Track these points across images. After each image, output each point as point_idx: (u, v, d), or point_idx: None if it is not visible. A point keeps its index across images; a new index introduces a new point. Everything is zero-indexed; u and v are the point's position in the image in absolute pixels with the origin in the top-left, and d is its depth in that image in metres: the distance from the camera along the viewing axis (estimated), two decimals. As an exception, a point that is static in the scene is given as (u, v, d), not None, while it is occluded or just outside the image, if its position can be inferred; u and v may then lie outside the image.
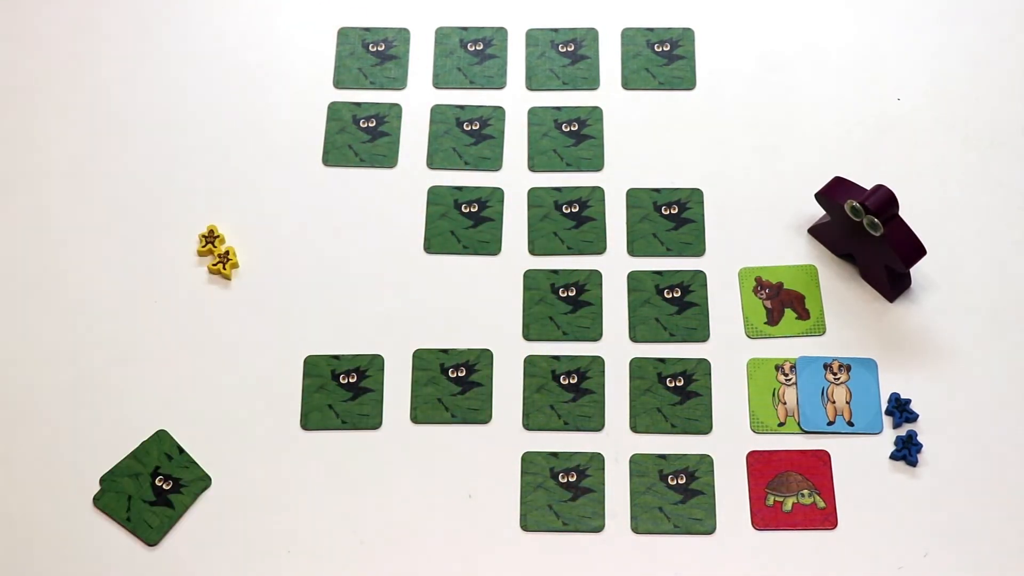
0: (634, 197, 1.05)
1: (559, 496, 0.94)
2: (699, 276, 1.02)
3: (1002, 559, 0.91)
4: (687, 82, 1.11)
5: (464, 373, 0.98)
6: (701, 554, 0.92)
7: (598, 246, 1.03)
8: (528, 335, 1.00)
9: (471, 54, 1.12)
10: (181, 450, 0.95)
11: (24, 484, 0.94)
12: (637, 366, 0.98)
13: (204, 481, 0.94)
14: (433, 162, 1.07)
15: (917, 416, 0.96)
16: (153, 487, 0.94)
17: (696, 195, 1.05)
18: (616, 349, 0.99)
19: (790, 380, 0.98)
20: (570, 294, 1.01)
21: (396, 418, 0.97)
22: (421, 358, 0.99)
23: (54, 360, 0.99)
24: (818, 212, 1.03)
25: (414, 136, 1.08)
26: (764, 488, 0.94)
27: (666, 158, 1.07)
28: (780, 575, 0.91)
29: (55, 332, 1.00)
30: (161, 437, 0.95)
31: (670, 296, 1.01)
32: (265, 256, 1.03)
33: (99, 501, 0.93)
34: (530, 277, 1.02)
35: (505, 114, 1.09)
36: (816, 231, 1.04)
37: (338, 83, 1.11)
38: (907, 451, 0.94)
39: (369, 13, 1.14)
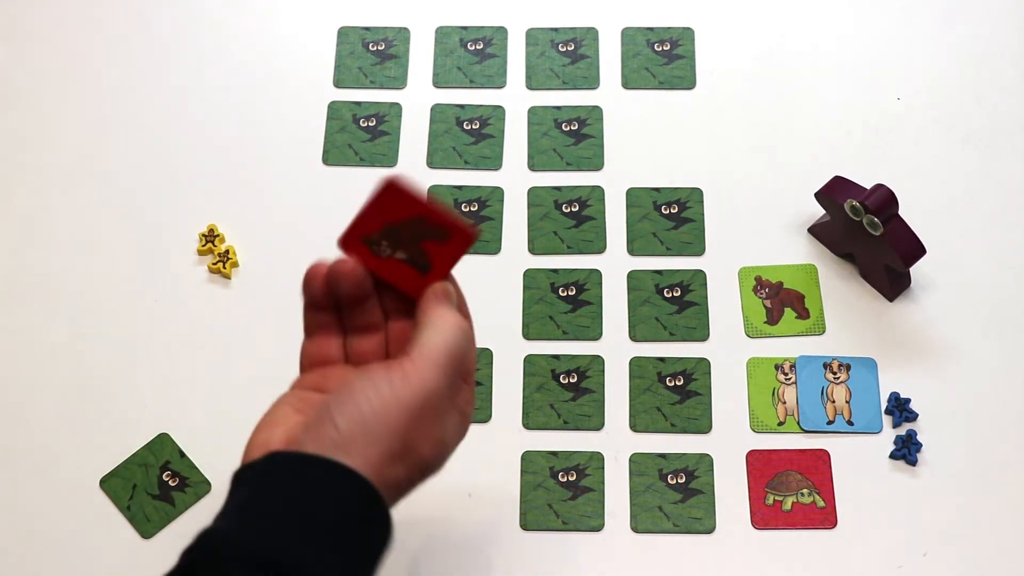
0: (634, 196, 1.05)
1: (559, 495, 0.94)
2: (699, 275, 1.02)
3: (1002, 559, 0.91)
4: (687, 81, 1.11)
5: (464, 372, 0.98)
6: (701, 553, 0.92)
7: (598, 245, 1.03)
8: (528, 334, 1.00)
9: (471, 53, 1.12)
10: (183, 454, 0.95)
11: (22, 486, 0.94)
12: (637, 365, 0.98)
13: (205, 485, 0.94)
14: (433, 161, 1.07)
15: (917, 415, 0.96)
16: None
17: (696, 194, 1.05)
18: (616, 348, 0.99)
19: (790, 379, 0.98)
20: (570, 293, 1.01)
21: (396, 417, 0.97)
22: (421, 357, 0.99)
23: (53, 360, 0.99)
24: (818, 212, 1.03)
25: (414, 135, 1.08)
26: (764, 487, 0.94)
27: (666, 157, 1.07)
28: (780, 574, 0.91)
29: (55, 332, 1.00)
30: (163, 441, 0.95)
31: (670, 295, 1.01)
32: (265, 255, 1.03)
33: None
34: (530, 276, 1.02)
35: (505, 113, 1.09)
36: (816, 230, 1.04)
37: (338, 82, 1.11)
38: (906, 450, 0.94)
39: (369, 12, 1.14)
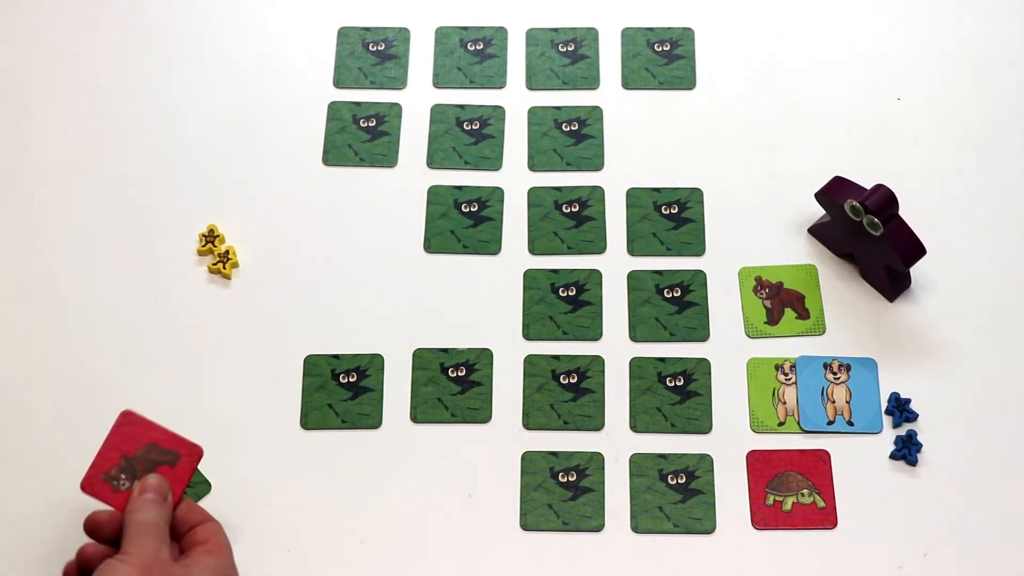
0: (634, 196, 1.05)
1: (559, 496, 0.94)
2: (699, 276, 1.02)
3: (1002, 559, 0.91)
4: (687, 82, 1.11)
5: (464, 373, 0.98)
6: (701, 553, 0.92)
7: (598, 245, 1.03)
8: (528, 335, 1.00)
9: (471, 54, 1.12)
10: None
11: (23, 486, 0.94)
12: (637, 366, 0.98)
13: (205, 485, 0.94)
14: (433, 161, 1.07)
15: (917, 416, 0.96)
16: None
17: (696, 195, 1.05)
18: (616, 349, 0.99)
19: (790, 380, 0.98)
20: (570, 293, 1.01)
21: (396, 417, 0.97)
22: (421, 357, 0.99)
23: (53, 360, 0.99)
24: (818, 212, 1.03)
25: (414, 136, 1.08)
26: (764, 487, 0.94)
27: (666, 158, 1.07)
28: (780, 574, 0.91)
29: (55, 332, 1.00)
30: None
31: (670, 296, 1.01)
32: (265, 255, 1.03)
33: None
34: (530, 276, 1.02)
35: (505, 114, 1.09)
36: (816, 231, 1.04)
37: (338, 83, 1.11)
38: (907, 451, 0.94)
39: (369, 13, 1.14)
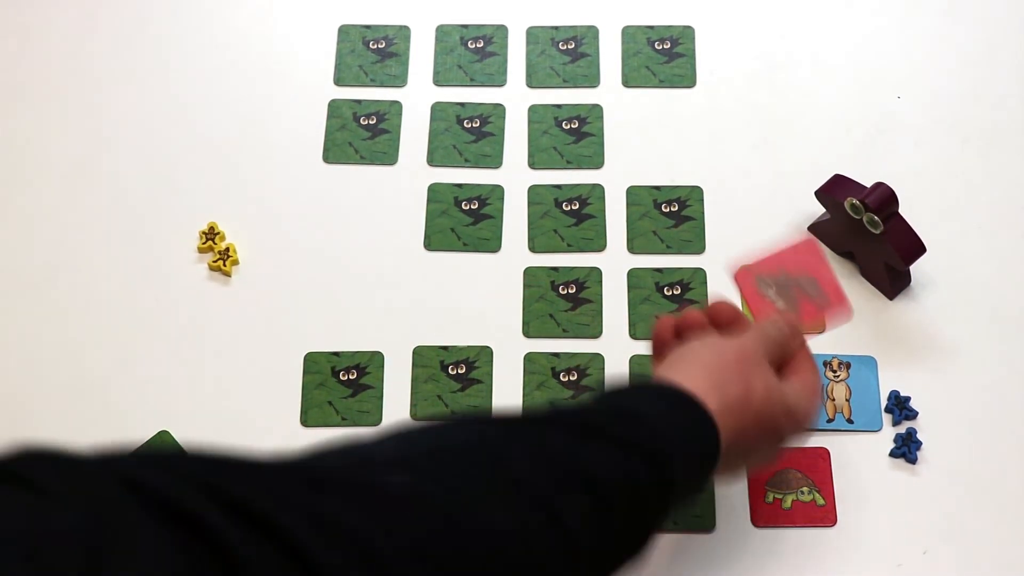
0: (634, 194, 1.05)
1: (559, 493, 0.94)
2: (699, 273, 1.02)
3: (1001, 558, 0.91)
4: (687, 80, 1.11)
5: (464, 370, 0.98)
6: (700, 551, 0.92)
7: (598, 243, 1.04)
8: (528, 332, 1.00)
9: (472, 52, 1.12)
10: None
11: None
12: (637, 364, 0.98)
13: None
14: (433, 159, 1.07)
15: (916, 414, 0.96)
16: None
17: (696, 193, 1.05)
18: (616, 346, 0.99)
19: (790, 378, 0.97)
20: (570, 291, 1.01)
21: (396, 415, 0.97)
22: (421, 355, 0.99)
23: (53, 358, 0.99)
24: (818, 210, 1.03)
25: (414, 133, 1.09)
26: (763, 485, 0.94)
27: (666, 156, 1.07)
28: (779, 572, 0.91)
29: (55, 330, 1.00)
30: (163, 439, 0.95)
31: (670, 294, 1.01)
32: (265, 253, 1.03)
33: None
34: (530, 274, 1.02)
35: (505, 112, 1.09)
36: (816, 229, 1.04)
37: (339, 80, 1.11)
38: (906, 449, 0.94)
39: (370, 10, 1.14)
